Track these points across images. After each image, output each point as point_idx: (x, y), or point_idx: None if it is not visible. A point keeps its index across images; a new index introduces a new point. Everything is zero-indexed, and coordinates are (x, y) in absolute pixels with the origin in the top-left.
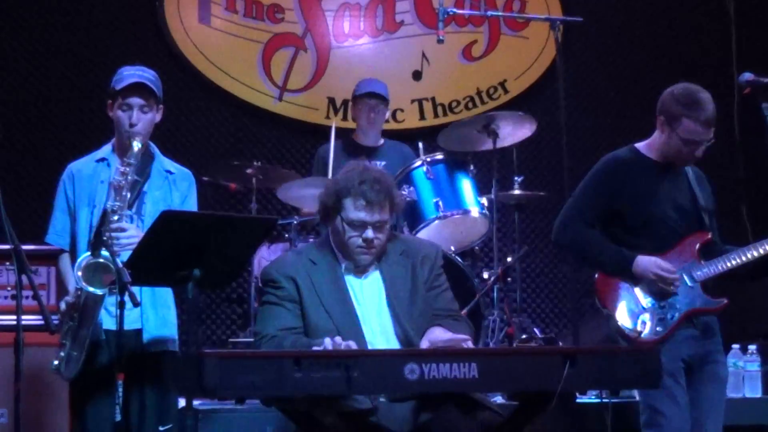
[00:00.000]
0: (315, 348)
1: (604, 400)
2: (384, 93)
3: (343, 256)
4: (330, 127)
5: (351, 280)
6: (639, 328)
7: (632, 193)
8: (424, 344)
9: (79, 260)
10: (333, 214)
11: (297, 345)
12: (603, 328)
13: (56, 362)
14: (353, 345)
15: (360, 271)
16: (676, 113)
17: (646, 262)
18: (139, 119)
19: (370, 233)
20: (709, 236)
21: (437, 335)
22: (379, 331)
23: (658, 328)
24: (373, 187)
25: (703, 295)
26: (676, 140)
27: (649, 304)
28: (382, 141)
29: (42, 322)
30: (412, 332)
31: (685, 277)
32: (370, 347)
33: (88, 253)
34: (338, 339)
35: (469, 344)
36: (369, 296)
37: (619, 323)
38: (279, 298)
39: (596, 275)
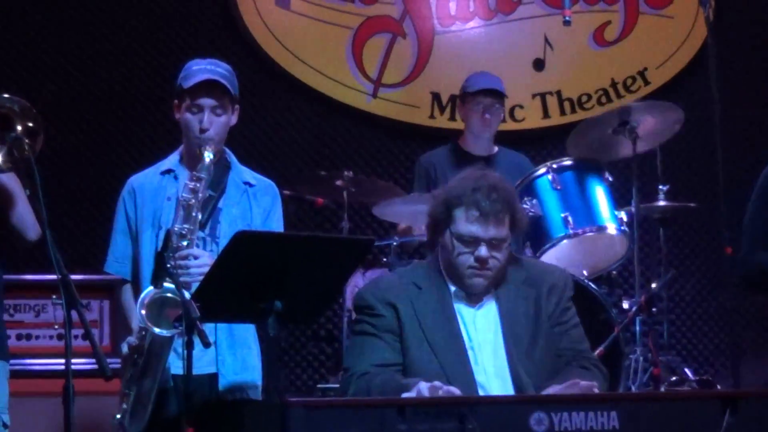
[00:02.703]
0: (406, 395)
1: None
2: (500, 88)
3: (452, 279)
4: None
5: (462, 310)
6: None
7: None
8: None
9: (142, 295)
10: (442, 228)
11: (387, 386)
12: None
13: (119, 416)
14: (456, 391)
15: (473, 299)
16: None
17: None
18: (212, 123)
19: (483, 251)
20: None
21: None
22: (493, 373)
23: None
24: (489, 197)
25: None
26: None
27: None
28: (495, 149)
29: (95, 366)
30: (526, 377)
31: None
32: (481, 391)
33: (152, 287)
34: (437, 383)
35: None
36: (483, 330)
37: None
38: (375, 328)
39: None
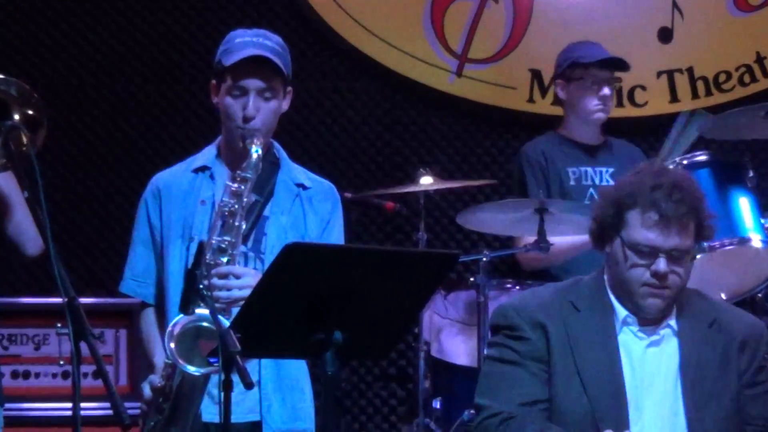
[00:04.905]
0: None
1: None
2: (624, 59)
3: (621, 300)
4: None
5: (629, 341)
6: None
7: None
8: None
9: (171, 324)
10: (610, 235)
11: None
12: None
13: None
14: None
15: (647, 326)
16: None
17: None
18: (258, 109)
19: (662, 265)
20: None
21: None
22: (656, 428)
23: None
24: (671, 197)
25: None
26: None
27: None
28: (603, 138)
29: (110, 412)
30: None
31: None
32: None
33: (182, 314)
34: None
35: None
36: (652, 370)
37: None
38: (518, 355)
39: None
